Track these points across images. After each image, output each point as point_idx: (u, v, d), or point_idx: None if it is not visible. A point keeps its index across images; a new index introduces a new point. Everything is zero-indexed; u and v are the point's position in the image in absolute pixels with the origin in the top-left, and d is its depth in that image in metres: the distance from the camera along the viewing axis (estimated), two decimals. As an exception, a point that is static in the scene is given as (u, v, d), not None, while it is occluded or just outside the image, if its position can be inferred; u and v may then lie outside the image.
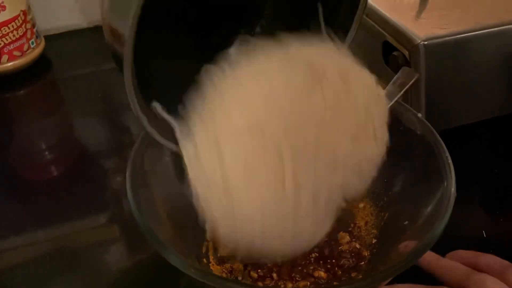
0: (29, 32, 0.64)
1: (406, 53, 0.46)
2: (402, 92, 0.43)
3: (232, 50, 0.35)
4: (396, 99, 0.42)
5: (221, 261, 0.39)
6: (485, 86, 0.48)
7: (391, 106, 0.41)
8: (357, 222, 0.42)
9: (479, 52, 0.46)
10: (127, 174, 0.35)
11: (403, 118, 0.41)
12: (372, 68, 0.53)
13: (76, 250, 0.44)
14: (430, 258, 0.36)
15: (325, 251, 0.40)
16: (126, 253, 0.44)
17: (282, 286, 0.37)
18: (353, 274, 0.38)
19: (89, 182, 0.51)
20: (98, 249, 0.44)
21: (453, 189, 0.34)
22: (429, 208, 0.36)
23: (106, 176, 0.52)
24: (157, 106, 0.30)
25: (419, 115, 0.39)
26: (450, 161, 0.36)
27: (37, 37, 0.67)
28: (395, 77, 0.44)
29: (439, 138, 0.37)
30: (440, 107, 0.48)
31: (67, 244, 0.44)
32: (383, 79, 0.42)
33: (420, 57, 0.44)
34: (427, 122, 0.39)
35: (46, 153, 0.56)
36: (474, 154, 0.51)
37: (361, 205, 0.43)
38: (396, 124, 0.41)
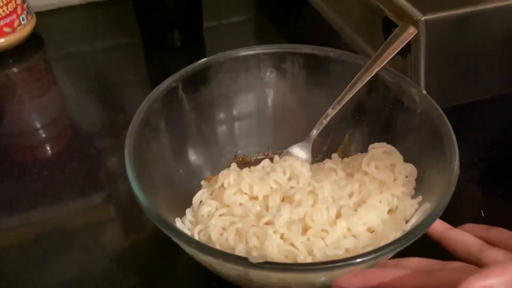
0: (19, 8, 0.63)
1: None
2: (400, 48, 0.42)
3: None
4: (393, 55, 0.41)
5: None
6: (487, 64, 0.48)
7: (395, 82, 0.41)
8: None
9: (481, 29, 0.45)
10: (126, 151, 0.35)
11: (406, 94, 0.40)
12: (372, 44, 0.53)
13: (70, 231, 0.43)
14: (441, 229, 0.35)
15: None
16: (121, 234, 0.44)
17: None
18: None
19: (83, 162, 0.50)
20: (93, 230, 0.43)
21: (456, 166, 0.33)
22: (432, 186, 0.36)
23: (100, 156, 0.51)
24: None
25: (424, 91, 0.39)
26: (454, 138, 0.35)
27: (27, 13, 0.65)
28: (393, 33, 0.43)
29: (444, 115, 0.37)
30: (440, 85, 0.47)
31: (61, 224, 0.44)
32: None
33: (420, 33, 0.43)
34: (431, 99, 0.38)
35: (39, 132, 0.55)
36: (473, 134, 0.50)
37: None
38: (399, 100, 0.41)
